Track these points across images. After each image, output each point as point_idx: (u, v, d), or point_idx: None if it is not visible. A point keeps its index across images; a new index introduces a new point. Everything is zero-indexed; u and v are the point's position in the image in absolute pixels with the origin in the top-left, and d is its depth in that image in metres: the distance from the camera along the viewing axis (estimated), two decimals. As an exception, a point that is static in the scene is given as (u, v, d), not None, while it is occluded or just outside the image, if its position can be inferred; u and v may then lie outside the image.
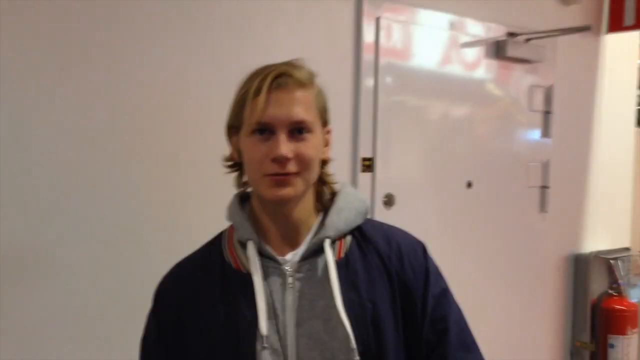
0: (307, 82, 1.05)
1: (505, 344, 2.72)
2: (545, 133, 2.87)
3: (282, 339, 1.03)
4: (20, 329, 1.57)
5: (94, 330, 1.67)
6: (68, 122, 1.62)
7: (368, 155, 2.21)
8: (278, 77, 1.02)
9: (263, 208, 1.09)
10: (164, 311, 1.11)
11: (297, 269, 1.06)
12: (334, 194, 1.15)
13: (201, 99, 1.82)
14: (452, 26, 2.48)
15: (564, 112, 2.93)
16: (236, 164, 1.13)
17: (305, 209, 1.10)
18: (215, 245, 1.14)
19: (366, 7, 2.18)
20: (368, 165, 2.21)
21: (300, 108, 1.02)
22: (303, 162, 1.03)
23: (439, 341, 1.11)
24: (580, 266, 3.08)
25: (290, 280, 1.05)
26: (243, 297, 1.04)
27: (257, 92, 1.01)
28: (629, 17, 3.05)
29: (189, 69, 1.80)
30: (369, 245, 1.12)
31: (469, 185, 2.57)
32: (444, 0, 2.45)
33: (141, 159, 1.73)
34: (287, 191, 1.03)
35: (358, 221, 1.13)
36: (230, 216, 1.13)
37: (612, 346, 2.99)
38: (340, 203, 1.12)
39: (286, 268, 1.06)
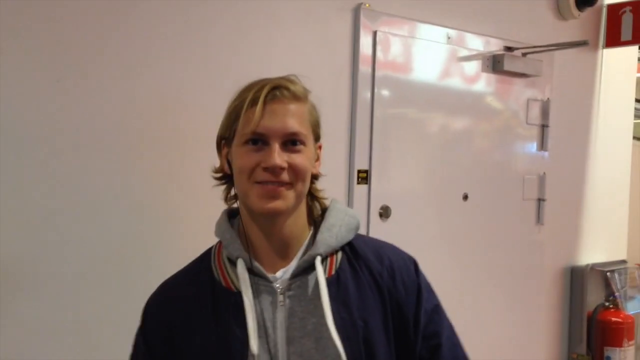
0: (302, 96, 1.06)
1: (502, 356, 2.72)
2: (542, 146, 2.89)
3: (273, 357, 1.03)
4: (16, 339, 1.57)
5: (90, 340, 1.68)
6: (66, 133, 1.63)
7: (364, 167, 2.23)
8: (274, 89, 1.03)
9: (253, 222, 1.08)
10: (153, 331, 1.10)
11: (288, 287, 1.06)
12: (324, 210, 1.14)
13: (199, 112, 1.83)
14: (449, 40, 2.50)
15: (560, 126, 2.95)
16: (225, 176, 1.13)
17: (296, 224, 1.09)
18: (204, 263, 1.13)
19: (363, 21, 2.20)
20: (364, 177, 2.23)
21: (295, 120, 1.03)
22: (296, 172, 1.03)
23: (432, 357, 1.11)
24: (576, 278, 3.09)
25: (280, 298, 1.05)
26: (234, 317, 1.03)
27: (253, 103, 1.01)
28: (626, 33, 3.07)
29: (186, 82, 1.82)
30: (360, 261, 1.11)
31: (465, 197, 2.59)
32: (441, 14, 2.47)
33: (139, 171, 1.74)
34: (277, 204, 1.02)
35: (349, 237, 1.12)
36: (219, 232, 1.13)
37: (608, 358, 3.00)
38: (331, 219, 1.12)
39: (276, 286, 1.05)
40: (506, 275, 2.77)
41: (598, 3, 3.03)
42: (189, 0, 1.80)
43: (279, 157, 1.00)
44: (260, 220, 1.07)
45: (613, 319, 3.01)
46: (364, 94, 2.22)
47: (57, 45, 1.60)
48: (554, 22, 2.94)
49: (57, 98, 1.61)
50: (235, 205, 1.15)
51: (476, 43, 2.60)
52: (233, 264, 1.08)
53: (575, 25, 3.01)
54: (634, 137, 3.50)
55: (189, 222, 1.81)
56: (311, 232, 1.12)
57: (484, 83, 2.64)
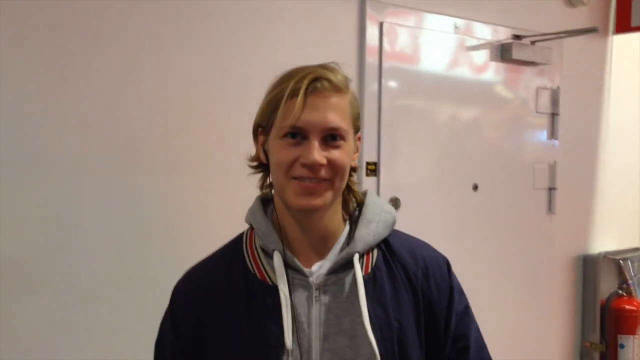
0: (343, 88, 1.02)
1: (515, 345, 2.72)
2: (552, 135, 2.87)
3: (306, 353, 1.01)
4: (20, 336, 1.58)
5: (95, 337, 1.69)
6: (69, 128, 1.64)
7: (373, 159, 2.23)
8: (315, 81, 0.98)
9: (289, 215, 1.05)
10: (183, 317, 1.08)
11: (324, 283, 1.04)
12: (359, 203, 1.12)
13: (204, 105, 1.83)
14: (457, 29, 2.49)
15: (571, 114, 2.93)
16: (261, 164, 1.10)
17: (333, 219, 1.07)
18: (235, 251, 1.10)
19: (369, 12, 2.20)
20: (372, 169, 2.23)
21: (336, 115, 0.99)
22: (335, 169, 1.00)
23: (459, 359, 1.11)
24: (589, 267, 3.07)
25: (316, 293, 1.03)
26: (269, 311, 1.02)
27: (293, 94, 0.98)
28: (636, 18, 3.04)
29: (192, 74, 1.82)
30: (395, 259, 1.09)
31: (475, 187, 2.58)
32: (447, 4, 2.46)
33: (143, 166, 1.75)
34: (315, 202, 1.00)
35: (385, 234, 1.10)
36: (254, 221, 1.09)
37: (622, 346, 2.98)
38: (368, 215, 1.10)
39: (312, 280, 1.04)
40: (518, 265, 2.77)
41: (607, -11, 3.00)
42: (194, -5, 1.81)
43: (318, 153, 0.97)
44: (296, 214, 1.04)
45: (626, 306, 3.00)
46: (372, 86, 2.22)
47: (57, 39, 1.60)
48: (562, 9, 2.91)
49: (59, 93, 1.62)
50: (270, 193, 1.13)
51: (484, 32, 2.58)
52: (268, 255, 1.06)
53: (584, 12, 2.98)
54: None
55: (193, 221, 1.81)
56: (347, 227, 1.10)
57: (492, 72, 2.63)
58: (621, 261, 3.09)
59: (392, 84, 2.29)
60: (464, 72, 2.52)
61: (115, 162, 1.71)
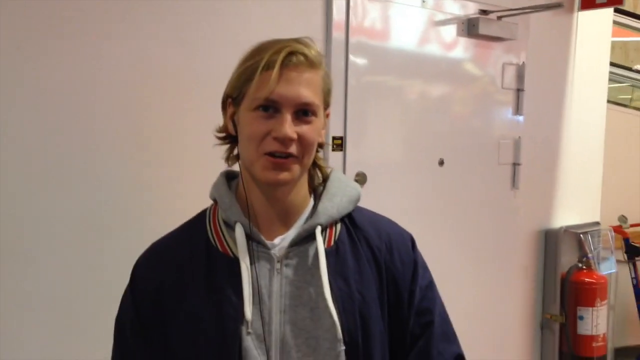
0: (317, 63, 1.02)
1: (477, 317, 2.78)
2: (517, 111, 2.90)
3: (266, 324, 1.02)
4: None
5: (63, 317, 1.67)
6: (37, 109, 1.60)
7: (339, 134, 2.23)
8: (291, 55, 0.98)
9: (255, 187, 1.06)
10: (143, 290, 1.08)
11: (286, 255, 1.04)
12: (324, 179, 1.13)
13: (170, 85, 1.80)
14: (425, 3, 2.48)
15: (536, 90, 2.96)
16: (228, 136, 1.09)
17: (299, 193, 1.08)
18: (198, 225, 1.10)
19: (336, -15, 2.17)
20: (339, 144, 2.23)
21: (309, 90, 1.00)
22: (304, 145, 1.00)
23: (423, 333, 1.12)
24: (550, 241, 3.14)
25: (278, 266, 1.04)
26: (230, 282, 1.02)
27: (268, 67, 0.98)
28: (601, -6, 3.06)
29: (154, 51, 1.78)
30: (359, 234, 1.10)
31: (441, 163, 2.60)
32: (416, -22, 2.44)
33: (110, 148, 1.72)
34: (284, 176, 1.00)
35: (350, 208, 1.11)
36: (217, 195, 1.10)
37: (581, 318, 3.07)
38: (332, 189, 1.11)
39: (274, 253, 1.04)
40: (482, 238, 2.81)
41: (573, -35, 3.01)
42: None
43: (290, 127, 0.98)
44: (263, 187, 1.05)
45: (586, 279, 3.07)
46: (338, 62, 2.20)
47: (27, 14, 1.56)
48: (529, -15, 2.92)
49: (32, 70, 1.57)
50: (235, 167, 1.12)
51: (452, 7, 2.58)
52: (230, 227, 1.06)
53: (551, -12, 2.99)
54: (608, 101, 3.51)
55: (159, 203, 1.79)
56: (311, 200, 1.11)
57: (459, 48, 2.63)
58: (581, 235, 3.17)
59: (359, 59, 2.27)
60: (431, 47, 2.52)
61: (82, 148, 1.67)
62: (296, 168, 1.01)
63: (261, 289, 1.03)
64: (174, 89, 1.82)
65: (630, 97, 5.32)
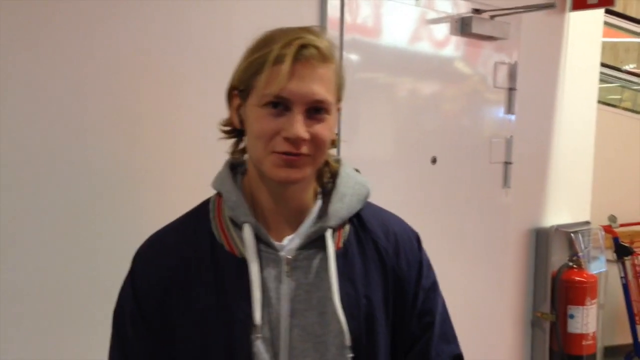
0: (330, 56, 0.97)
1: (468, 315, 2.78)
2: (509, 110, 2.91)
3: (274, 329, 1.00)
4: None
5: (54, 313, 1.64)
6: (26, 102, 1.57)
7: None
8: (303, 48, 0.92)
9: (263, 185, 1.02)
10: (146, 286, 1.04)
11: (295, 258, 1.01)
12: (332, 175, 1.09)
13: (160, 76, 1.79)
14: (418, 2, 2.48)
15: (527, 89, 2.97)
16: (234, 129, 1.05)
17: (308, 191, 1.04)
18: (201, 219, 1.06)
19: (331, -17, 2.17)
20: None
21: (322, 87, 0.94)
22: (317, 144, 0.95)
23: (423, 334, 1.11)
24: (541, 240, 3.15)
25: (286, 268, 1.01)
26: (238, 285, 0.99)
27: (278, 60, 0.92)
28: (592, -5, 3.08)
29: (147, 42, 1.76)
30: (367, 234, 1.08)
31: (434, 161, 2.60)
32: (409, -24, 2.44)
33: (99, 137, 1.69)
34: (295, 175, 0.96)
35: (359, 207, 1.08)
36: (224, 190, 1.05)
37: (571, 316, 3.08)
38: (342, 188, 1.07)
39: (283, 255, 1.01)
40: (473, 237, 2.82)
41: (565, -35, 3.03)
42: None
43: (301, 127, 0.92)
44: (272, 185, 1.01)
45: (576, 278, 3.09)
46: (332, 58, 2.20)
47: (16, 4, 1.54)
48: (521, -16, 2.93)
49: (17, 55, 1.55)
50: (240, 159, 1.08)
51: (445, 5, 2.58)
52: (237, 226, 1.02)
53: (543, -13, 3.00)
54: (598, 101, 3.54)
55: (149, 194, 1.77)
56: (319, 199, 1.07)
57: (452, 46, 2.63)
58: (572, 234, 3.18)
59: (353, 57, 2.27)
60: (424, 45, 2.52)
61: (71, 136, 1.64)
62: (308, 167, 0.97)
63: (269, 292, 1.00)
64: (167, 81, 1.80)
65: (620, 97, 5.36)
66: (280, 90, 0.92)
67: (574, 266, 3.13)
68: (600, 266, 3.44)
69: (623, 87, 5.24)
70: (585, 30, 3.30)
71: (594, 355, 3.14)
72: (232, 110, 1.03)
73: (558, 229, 3.15)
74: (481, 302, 2.90)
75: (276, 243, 1.02)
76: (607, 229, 3.98)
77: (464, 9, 2.65)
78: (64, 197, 1.64)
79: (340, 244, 1.05)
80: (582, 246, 3.21)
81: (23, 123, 1.58)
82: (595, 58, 3.44)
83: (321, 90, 0.94)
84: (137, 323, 1.04)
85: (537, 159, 3.14)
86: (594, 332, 3.11)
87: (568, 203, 3.32)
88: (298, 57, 0.92)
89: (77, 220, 1.67)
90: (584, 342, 3.07)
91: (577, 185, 3.38)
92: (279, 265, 1.01)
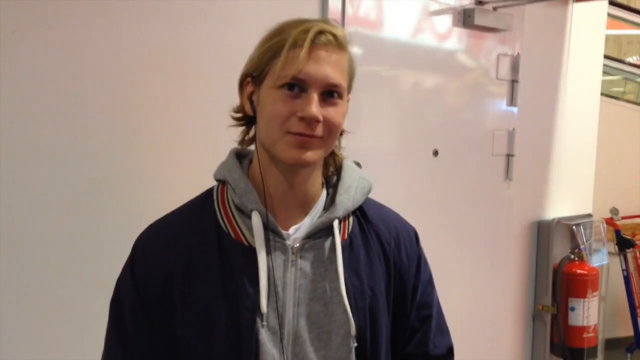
0: (345, 45, 0.99)
1: (469, 307, 2.79)
2: (512, 102, 2.90)
3: (280, 317, 1.00)
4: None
5: (53, 308, 1.64)
6: (26, 94, 1.57)
7: (334, 123, 2.22)
8: (320, 33, 0.95)
9: (272, 171, 1.02)
10: (147, 275, 1.03)
11: (302, 247, 1.02)
12: (337, 167, 1.11)
13: (161, 71, 1.78)
14: (421, -6, 2.47)
15: (530, 81, 2.96)
16: (245, 117, 1.06)
17: (316, 180, 1.05)
18: (206, 207, 1.06)
19: (332, -25, 2.16)
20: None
21: (337, 71, 0.97)
22: (330, 127, 0.97)
23: (422, 326, 1.14)
24: (543, 232, 3.15)
25: (293, 257, 1.01)
26: (245, 273, 0.99)
27: (296, 44, 0.94)
28: (596, -13, 3.07)
29: (148, 34, 1.75)
30: (370, 227, 1.09)
31: (436, 153, 2.60)
32: (412, -32, 2.43)
33: (101, 131, 1.69)
34: (308, 155, 0.96)
35: (362, 200, 1.10)
36: (231, 178, 1.05)
37: (572, 309, 3.08)
38: (347, 180, 1.08)
39: (289, 244, 1.02)
40: (475, 229, 2.81)
41: (569, -44, 3.01)
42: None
43: (317, 107, 0.94)
44: (283, 170, 1.01)
45: (578, 271, 3.09)
46: (334, 50, 2.19)
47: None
48: (524, -24, 2.92)
49: (18, 48, 1.54)
50: (249, 148, 1.09)
51: (447, -3, 2.57)
52: (243, 214, 1.02)
53: (546, -21, 2.99)
54: (602, 94, 3.53)
55: (150, 187, 1.77)
56: (324, 190, 1.08)
57: (454, 38, 2.62)
58: (574, 227, 3.18)
59: (355, 49, 2.25)
60: (426, 38, 2.51)
61: (74, 130, 1.64)
62: (320, 149, 0.98)
63: (275, 280, 1.00)
64: (170, 75, 1.80)
65: (622, 89, 5.34)
66: (298, 72, 0.94)
67: (576, 259, 3.13)
68: (601, 259, 3.44)
69: (626, 79, 5.22)
70: (589, 22, 3.28)
71: (595, 348, 3.14)
72: (244, 98, 1.04)
73: (560, 221, 3.14)
74: (482, 295, 2.91)
75: (283, 232, 1.03)
76: (609, 222, 3.98)
77: (467, 0, 2.63)
78: (66, 191, 1.65)
79: (346, 235, 1.06)
80: (584, 239, 3.21)
81: (24, 118, 1.57)
82: (598, 50, 3.42)
83: (336, 74, 0.96)
84: (136, 313, 1.03)
85: (539, 151, 3.13)
86: (595, 325, 3.11)
87: (570, 195, 3.31)
88: (315, 42, 0.94)
89: (79, 214, 1.67)
90: (585, 335, 3.07)
91: (579, 177, 3.37)
92: (285, 254, 1.02)
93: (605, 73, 3.90)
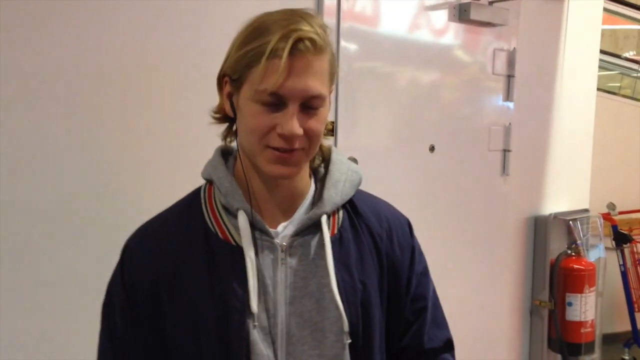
0: (324, 47, 0.95)
1: (466, 303, 2.78)
2: (508, 97, 2.89)
3: (272, 316, 0.99)
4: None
5: (50, 311, 1.64)
6: (21, 92, 1.56)
7: (330, 119, 2.22)
8: (299, 41, 0.91)
9: (255, 174, 1.01)
10: (136, 277, 1.03)
11: (290, 244, 1.01)
12: (324, 159, 1.10)
13: (157, 68, 1.77)
14: (416, -11, 2.46)
15: (526, 76, 2.95)
16: (225, 116, 1.04)
17: (302, 178, 1.04)
18: (193, 207, 1.05)
19: (327, -31, 2.15)
20: (330, 129, 2.21)
21: (317, 81, 0.93)
22: (311, 138, 0.95)
23: (417, 319, 1.12)
24: (540, 227, 3.14)
25: (282, 255, 1.00)
26: (234, 273, 0.98)
27: (274, 55, 0.90)
28: (592, -19, 3.06)
29: (144, 33, 1.75)
30: (360, 220, 1.08)
31: (432, 149, 2.59)
32: (407, -37, 2.42)
33: (98, 127, 1.69)
34: (289, 170, 0.96)
35: (351, 194, 1.08)
36: (216, 177, 1.04)
37: (570, 304, 3.08)
38: (336, 173, 1.07)
39: (278, 242, 1.01)
40: (471, 225, 2.81)
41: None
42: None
43: (297, 124, 0.92)
44: (264, 176, 1.00)
45: (575, 266, 3.08)
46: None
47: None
48: (520, -30, 2.91)
49: (19, 46, 1.54)
50: (232, 144, 1.08)
51: (443, -8, 2.56)
52: (230, 213, 1.01)
53: (542, -27, 2.99)
54: (598, 89, 3.52)
55: (147, 184, 1.77)
56: (312, 184, 1.07)
57: (450, 34, 2.61)
58: (571, 222, 3.17)
59: (350, 45, 2.26)
60: (422, 33, 2.50)
61: (70, 127, 1.63)
62: (302, 161, 0.98)
63: (265, 279, 0.99)
64: (165, 70, 1.79)
65: (619, 84, 5.34)
66: (278, 88, 0.91)
67: (573, 254, 3.12)
68: (598, 254, 3.44)
69: (623, 74, 5.22)
70: (585, 17, 3.28)
71: (592, 343, 3.14)
72: (223, 97, 1.02)
73: (557, 216, 3.14)
74: (480, 290, 2.90)
75: (271, 230, 1.01)
76: (606, 217, 3.98)
77: (463, -5, 2.62)
78: (60, 192, 1.64)
79: (335, 230, 1.05)
80: (581, 234, 3.20)
81: (21, 119, 1.57)
82: (594, 45, 3.41)
83: (316, 84, 0.93)
84: (126, 315, 1.03)
85: (535, 146, 3.12)
86: (592, 320, 3.11)
87: (567, 191, 3.31)
88: (293, 52, 0.91)
89: (73, 214, 1.66)
90: (582, 330, 3.07)
91: (576, 172, 3.37)
92: (274, 253, 1.01)
93: (601, 68, 3.90)
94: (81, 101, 1.66)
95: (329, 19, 2.16)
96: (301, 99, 0.93)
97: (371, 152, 2.37)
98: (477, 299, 2.88)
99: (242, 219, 0.99)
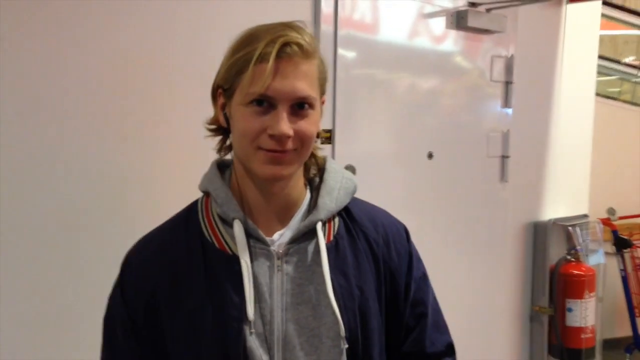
0: (312, 52, 0.97)
1: (466, 309, 2.78)
2: (506, 103, 2.90)
3: (268, 324, 1.00)
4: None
5: (46, 320, 1.64)
6: (13, 100, 1.56)
7: (327, 127, 2.22)
8: (285, 45, 0.93)
9: (251, 181, 1.02)
10: (135, 290, 1.04)
11: (286, 252, 1.02)
12: (319, 169, 1.11)
13: (152, 73, 1.78)
14: (414, -4, 2.47)
15: (524, 83, 2.95)
16: (220, 128, 1.05)
17: (296, 186, 1.05)
18: (190, 219, 1.07)
19: (324, -24, 2.15)
20: (327, 137, 2.22)
21: (305, 83, 0.95)
22: (302, 139, 0.97)
23: (417, 324, 1.13)
24: (539, 233, 3.15)
25: (278, 263, 1.01)
26: (230, 281, 0.99)
27: (262, 59, 0.93)
28: (590, -13, 3.07)
29: (138, 40, 1.75)
30: (356, 227, 1.09)
31: (430, 156, 2.60)
32: (404, -30, 2.43)
33: (94, 135, 1.69)
34: (282, 171, 0.97)
35: (347, 201, 1.09)
36: (212, 188, 1.05)
37: (570, 310, 3.08)
38: (330, 181, 1.08)
39: (274, 249, 1.02)
40: (471, 231, 2.81)
41: (562, -43, 3.01)
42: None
43: (286, 124, 0.93)
44: (259, 181, 1.02)
45: (574, 271, 3.08)
46: (327, 55, 2.16)
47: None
48: (518, -23, 2.91)
49: (12, 48, 1.54)
50: (227, 157, 1.09)
51: (440, -1, 2.57)
52: (226, 223, 1.03)
53: (539, -20, 2.99)
54: (597, 94, 3.52)
55: (145, 192, 1.77)
56: (307, 193, 1.08)
57: (449, 41, 2.62)
58: (570, 228, 3.18)
59: (348, 52, 2.26)
60: (420, 40, 2.51)
61: (66, 134, 1.64)
62: (294, 162, 0.99)
63: (262, 287, 1.00)
64: (160, 78, 1.80)
65: (619, 89, 5.33)
66: (265, 89, 0.93)
67: (572, 259, 3.12)
68: (598, 259, 3.43)
69: (622, 79, 5.22)
70: (583, 23, 3.28)
71: (593, 349, 3.14)
72: (218, 109, 1.04)
73: (556, 222, 3.14)
74: (479, 296, 2.90)
75: (267, 238, 1.03)
76: (606, 222, 3.97)
77: (460, 2, 2.63)
78: (56, 201, 1.64)
79: (331, 237, 1.06)
80: (580, 239, 3.20)
81: (14, 124, 1.57)
82: (592, 50, 3.42)
83: (304, 86, 0.95)
84: (127, 329, 1.04)
85: (534, 152, 3.13)
86: (592, 326, 3.11)
87: (566, 196, 3.31)
88: (281, 55, 0.93)
89: (70, 223, 1.66)
90: (582, 336, 3.07)
91: (575, 178, 3.37)
92: (270, 260, 1.02)
93: (601, 73, 3.90)
94: (84, 108, 1.67)
95: (326, 27, 2.17)
96: (290, 100, 0.95)
97: (369, 160, 2.37)
98: (477, 305, 2.88)
99: (238, 228, 1.01)
